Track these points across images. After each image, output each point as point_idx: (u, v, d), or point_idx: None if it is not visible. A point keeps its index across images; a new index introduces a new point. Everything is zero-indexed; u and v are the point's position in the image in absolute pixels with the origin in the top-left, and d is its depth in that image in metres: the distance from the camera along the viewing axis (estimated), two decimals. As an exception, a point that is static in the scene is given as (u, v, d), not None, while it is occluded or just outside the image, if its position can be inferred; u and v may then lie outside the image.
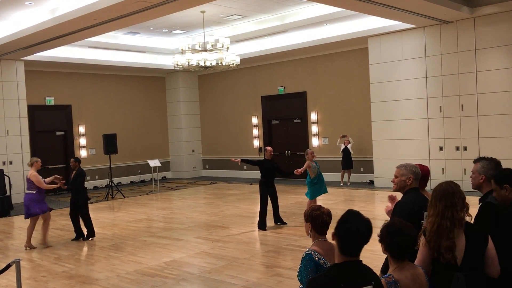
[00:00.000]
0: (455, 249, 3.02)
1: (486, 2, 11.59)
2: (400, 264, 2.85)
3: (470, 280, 3.01)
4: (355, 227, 2.57)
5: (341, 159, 15.01)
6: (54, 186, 9.08)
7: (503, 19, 11.68)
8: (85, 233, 9.34)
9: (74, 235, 9.40)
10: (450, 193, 3.13)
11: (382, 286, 2.67)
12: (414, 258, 3.07)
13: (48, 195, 15.64)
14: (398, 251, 2.83)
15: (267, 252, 7.85)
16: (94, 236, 9.32)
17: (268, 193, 9.60)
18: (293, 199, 12.74)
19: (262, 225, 9.44)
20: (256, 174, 17.95)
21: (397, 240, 2.79)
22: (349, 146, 14.85)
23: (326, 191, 9.99)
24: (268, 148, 10.04)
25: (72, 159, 9.56)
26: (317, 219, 3.31)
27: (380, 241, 2.88)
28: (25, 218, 8.83)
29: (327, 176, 15.89)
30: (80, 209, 9.27)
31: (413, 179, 3.77)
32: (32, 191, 8.67)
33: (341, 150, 14.97)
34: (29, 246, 8.70)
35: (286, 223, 9.70)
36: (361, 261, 2.60)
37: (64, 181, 9.16)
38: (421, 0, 10.23)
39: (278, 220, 9.74)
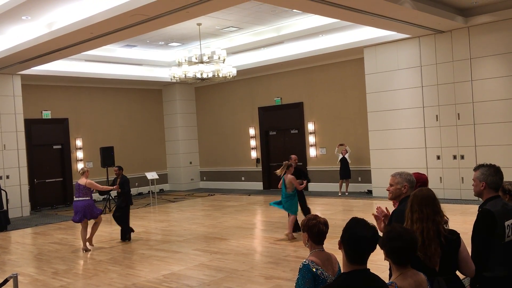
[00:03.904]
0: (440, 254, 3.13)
1: (479, 12, 11.69)
2: (403, 270, 2.80)
3: (450, 283, 3.15)
4: (361, 233, 2.54)
5: (338, 169, 15.02)
6: (111, 188, 10.24)
7: (496, 28, 11.78)
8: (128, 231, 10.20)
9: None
10: (434, 198, 3.24)
11: None
12: (414, 264, 3.09)
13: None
14: (400, 256, 2.78)
15: (266, 263, 7.82)
16: (129, 239, 10.12)
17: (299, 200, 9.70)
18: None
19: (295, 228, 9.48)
20: (254, 185, 18.02)
21: (398, 245, 2.74)
22: (346, 156, 14.87)
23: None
24: (293, 156, 10.13)
25: (116, 167, 10.48)
26: (313, 229, 3.28)
27: (381, 247, 2.83)
28: (76, 222, 9.54)
29: (325, 186, 16.00)
30: (124, 212, 10.14)
31: (408, 187, 3.76)
32: (86, 198, 9.42)
33: (339, 160, 14.98)
34: (85, 248, 9.38)
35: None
36: (369, 269, 2.57)
37: (117, 186, 10.16)
38: (416, 10, 10.31)
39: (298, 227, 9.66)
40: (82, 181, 9.42)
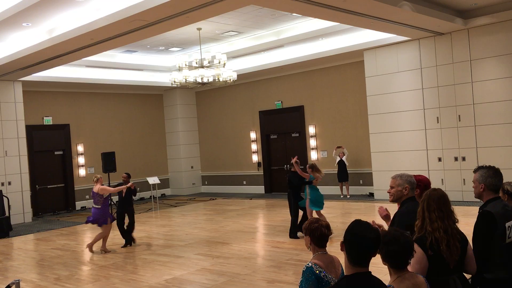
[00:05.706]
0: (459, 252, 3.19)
1: (479, 14, 11.71)
2: (400, 273, 2.82)
3: (464, 281, 3.22)
4: (364, 234, 2.55)
5: (336, 171, 15.03)
6: (124, 187, 10.09)
7: (496, 29, 11.80)
8: (131, 239, 10.35)
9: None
10: (448, 199, 3.30)
11: None
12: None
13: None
14: (396, 259, 2.81)
15: (268, 267, 7.81)
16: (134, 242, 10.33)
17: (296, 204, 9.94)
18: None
19: (293, 234, 9.70)
20: (255, 189, 18.02)
21: (394, 248, 2.77)
22: (344, 158, 14.86)
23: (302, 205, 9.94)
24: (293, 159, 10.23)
25: (124, 174, 10.58)
26: (315, 232, 3.29)
27: (378, 252, 2.88)
28: (96, 224, 9.87)
29: (327, 189, 15.96)
30: (129, 219, 10.36)
31: (409, 188, 3.77)
32: (98, 206, 9.67)
33: (336, 162, 14.99)
34: (104, 250, 9.73)
35: None
36: (370, 272, 2.58)
37: (132, 184, 10.21)
38: (415, 13, 10.33)
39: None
40: (96, 188, 9.65)
